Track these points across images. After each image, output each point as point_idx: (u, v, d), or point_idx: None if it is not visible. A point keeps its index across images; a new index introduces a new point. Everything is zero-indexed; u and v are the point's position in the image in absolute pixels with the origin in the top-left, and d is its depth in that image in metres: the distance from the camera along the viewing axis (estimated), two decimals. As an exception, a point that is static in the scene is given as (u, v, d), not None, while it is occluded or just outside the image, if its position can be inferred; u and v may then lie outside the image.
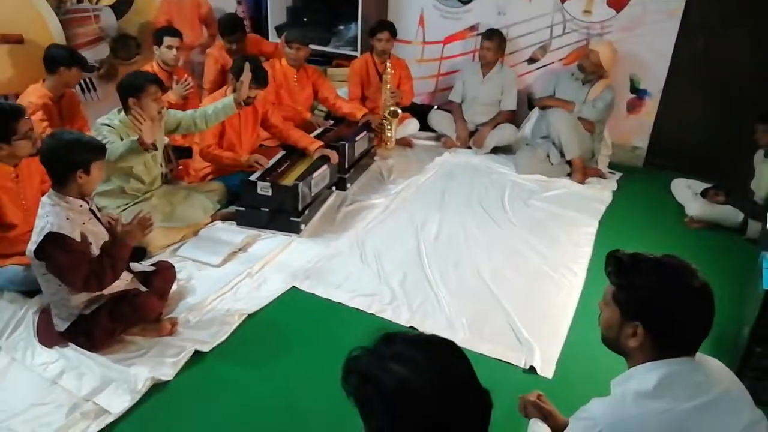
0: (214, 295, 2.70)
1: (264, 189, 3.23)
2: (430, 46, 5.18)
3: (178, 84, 3.98)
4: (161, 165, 3.42)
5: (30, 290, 2.55)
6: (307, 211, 3.37)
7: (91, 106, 4.06)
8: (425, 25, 5.14)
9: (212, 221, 3.34)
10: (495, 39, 4.58)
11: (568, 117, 4.27)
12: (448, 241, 3.38)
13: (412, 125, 4.79)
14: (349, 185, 3.91)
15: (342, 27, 5.28)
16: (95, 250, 2.29)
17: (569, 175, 4.26)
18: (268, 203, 3.25)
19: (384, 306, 2.71)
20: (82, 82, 4.10)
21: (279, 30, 5.38)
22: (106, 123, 2.91)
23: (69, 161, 2.19)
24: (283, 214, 3.27)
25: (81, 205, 2.28)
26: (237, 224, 3.33)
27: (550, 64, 4.82)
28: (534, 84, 4.90)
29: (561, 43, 4.73)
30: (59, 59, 3.34)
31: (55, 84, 3.41)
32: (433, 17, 5.08)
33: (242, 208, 3.30)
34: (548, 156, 4.35)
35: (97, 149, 2.28)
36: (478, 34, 4.93)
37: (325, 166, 3.56)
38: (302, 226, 3.30)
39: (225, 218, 3.39)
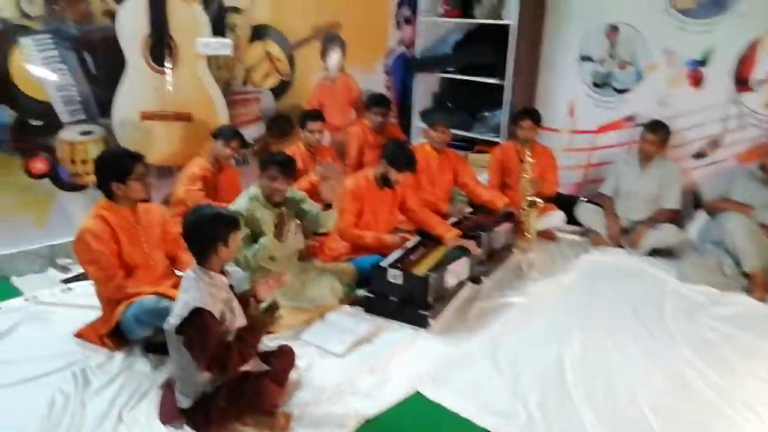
0: (333, 389, 2.53)
1: (394, 277, 3.08)
2: (580, 136, 4.89)
3: (320, 165, 4.08)
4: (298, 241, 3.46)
5: (158, 326, 2.52)
6: (437, 305, 3.15)
7: (243, 178, 4.27)
8: (575, 113, 4.89)
9: (340, 304, 3.24)
10: (659, 132, 4.19)
11: (747, 223, 3.70)
12: (596, 355, 2.94)
13: (557, 217, 4.46)
14: (484, 279, 3.65)
15: (487, 113, 5.20)
16: (232, 329, 2.27)
17: (747, 290, 3.63)
18: (398, 292, 3.09)
19: (518, 430, 2.35)
20: (238, 157, 4.36)
21: (423, 115, 5.45)
22: (241, 206, 3.05)
23: (210, 235, 2.22)
24: (412, 305, 3.08)
25: (222, 281, 2.29)
26: (365, 310, 3.20)
27: (722, 160, 4.30)
28: (701, 181, 4.37)
29: (736, 138, 4.22)
30: (223, 135, 3.62)
31: (215, 157, 3.66)
32: (584, 105, 4.82)
33: (371, 295, 3.17)
34: (720, 265, 3.76)
35: (235, 221, 2.32)
36: (636, 125, 4.58)
37: (463, 259, 3.34)
38: (431, 321, 3.08)
39: (353, 303, 3.27)
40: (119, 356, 2.67)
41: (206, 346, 2.16)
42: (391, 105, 4.70)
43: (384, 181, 3.50)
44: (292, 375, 2.54)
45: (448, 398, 2.53)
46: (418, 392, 2.57)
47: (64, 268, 3.52)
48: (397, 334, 3.02)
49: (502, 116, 4.90)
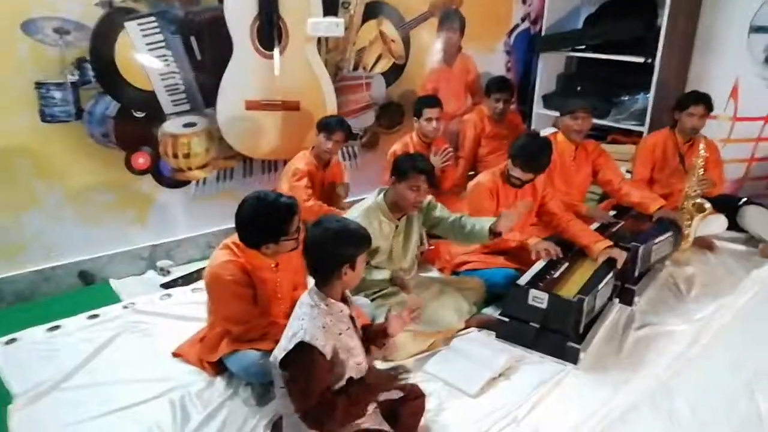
0: (468, 444, 2.07)
1: (537, 299, 2.56)
2: (744, 124, 4.07)
3: (436, 155, 3.61)
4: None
5: (263, 383, 2.23)
6: (586, 334, 2.60)
7: (350, 174, 3.89)
8: (739, 96, 4.06)
9: (466, 327, 2.76)
10: None
11: None
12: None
13: (718, 223, 3.70)
14: (636, 299, 3.03)
15: (626, 97, 4.47)
16: (345, 370, 1.86)
17: None
18: (540, 318, 2.56)
19: None
20: (344, 149, 3.98)
21: (547, 100, 4.81)
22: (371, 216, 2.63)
23: (336, 254, 1.82)
24: (557, 334, 2.54)
25: (342, 310, 1.88)
26: (496, 336, 2.70)
27: None
28: None
29: None
30: (326, 127, 3.25)
31: (320, 151, 3.29)
32: (751, 87, 4.01)
33: (505, 319, 2.66)
34: None
35: (365, 240, 1.88)
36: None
37: (611, 275, 2.76)
38: (582, 355, 2.53)
39: (482, 326, 2.78)
40: (220, 383, 2.35)
41: (307, 390, 1.77)
42: (514, 90, 4.11)
43: (514, 181, 2.97)
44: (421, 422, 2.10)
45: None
46: (575, 455, 2.05)
47: (164, 270, 3.29)
48: (539, 369, 2.50)
49: (650, 100, 4.17)
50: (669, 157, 3.70)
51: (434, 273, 3.29)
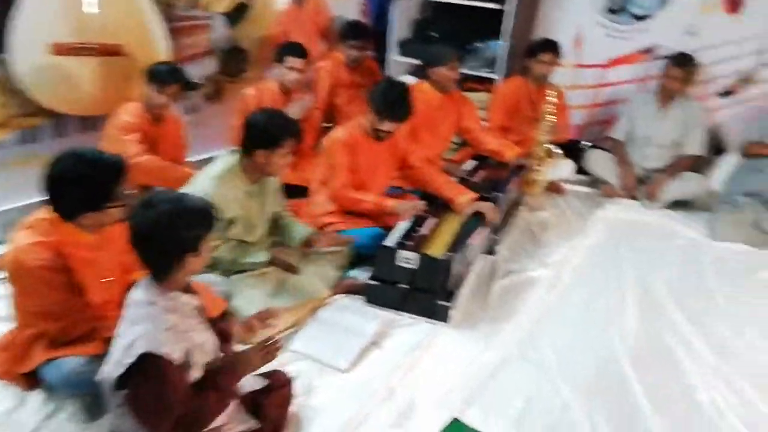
0: (345, 425, 1.91)
1: (407, 260, 2.43)
2: (587, 71, 4.23)
3: (294, 104, 3.30)
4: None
5: (90, 393, 1.83)
6: (455, 292, 2.54)
7: (191, 128, 3.43)
8: (583, 44, 4.20)
9: (334, 294, 2.58)
10: (687, 67, 3.60)
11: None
12: (652, 341, 2.46)
13: (566, 167, 3.88)
14: (498, 247, 3.05)
15: (479, 44, 4.43)
16: (198, 372, 1.57)
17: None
18: (410, 279, 2.45)
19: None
20: (186, 100, 3.49)
21: (403, 47, 4.64)
22: (211, 189, 2.25)
23: (175, 241, 1.48)
24: (427, 294, 2.45)
25: (187, 303, 1.57)
26: (366, 301, 2.55)
27: (753, 99, 3.77)
28: (729, 123, 3.86)
29: (774, 73, 3.68)
30: (156, 77, 2.75)
31: (151, 105, 2.81)
32: (594, 36, 4.14)
33: (375, 282, 2.51)
34: (758, 221, 3.31)
35: (210, 219, 1.55)
36: (655, 59, 3.98)
37: (479, 230, 2.71)
38: (452, 312, 2.47)
39: (350, 291, 2.61)
40: (36, 399, 1.90)
41: (162, 410, 1.45)
42: (370, 36, 3.87)
43: (376, 134, 2.77)
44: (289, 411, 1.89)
45: (495, 426, 1.96)
46: (455, 420, 1.98)
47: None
48: (411, 332, 2.40)
49: (502, 48, 4.17)
50: (522, 105, 3.75)
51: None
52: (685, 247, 3.26)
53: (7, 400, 1.88)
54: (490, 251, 3.00)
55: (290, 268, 2.42)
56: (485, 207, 2.82)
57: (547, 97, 3.50)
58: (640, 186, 3.78)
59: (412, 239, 2.54)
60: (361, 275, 2.68)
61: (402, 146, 2.92)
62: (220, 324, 1.74)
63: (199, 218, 1.51)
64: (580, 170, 4.01)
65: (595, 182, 3.94)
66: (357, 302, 2.55)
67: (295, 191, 3.17)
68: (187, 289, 1.60)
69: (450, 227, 2.70)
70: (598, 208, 3.65)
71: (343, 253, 2.67)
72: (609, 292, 2.78)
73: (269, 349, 1.65)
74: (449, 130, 3.50)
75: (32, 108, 2.85)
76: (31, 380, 1.91)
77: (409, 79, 4.11)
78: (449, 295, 2.47)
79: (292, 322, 2.37)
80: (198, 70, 3.51)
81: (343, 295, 2.59)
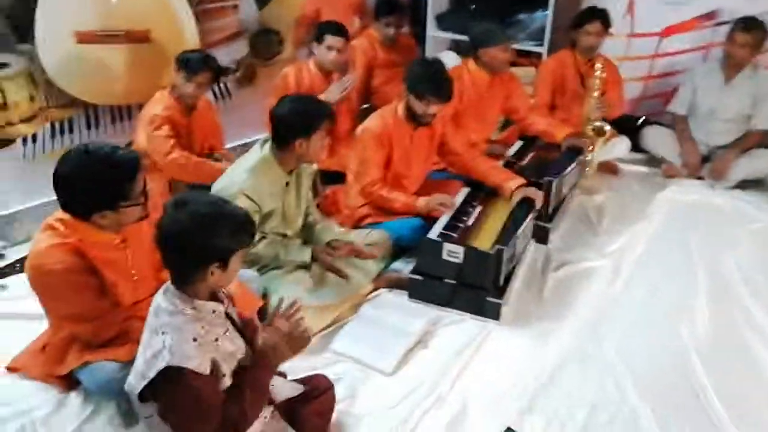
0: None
1: (452, 254, 2.24)
2: (640, 40, 3.90)
3: (335, 85, 3.13)
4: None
5: (126, 399, 1.74)
6: (506, 286, 2.34)
7: (224, 115, 3.31)
8: (635, 12, 3.87)
9: (375, 289, 2.42)
10: (755, 33, 3.26)
11: None
12: (726, 338, 2.22)
13: (622, 146, 3.58)
14: (551, 236, 2.83)
15: (523, 16, 4.15)
16: (229, 381, 1.44)
17: None
18: (456, 273, 2.26)
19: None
20: (215, 87, 3.36)
21: (440, 20, 4.39)
22: (245, 182, 2.10)
23: (203, 248, 1.34)
24: (475, 289, 2.26)
25: (214, 311, 1.43)
26: (408, 296, 2.38)
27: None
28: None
29: None
30: (186, 66, 2.59)
31: (181, 93, 2.67)
32: (648, 3, 3.81)
33: (418, 277, 2.34)
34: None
35: (246, 230, 1.41)
36: (717, 24, 3.63)
37: (530, 218, 2.49)
38: (503, 309, 2.27)
39: (392, 285, 2.45)
40: (75, 401, 1.83)
41: (201, 419, 1.34)
42: (406, 11, 3.63)
43: (415, 118, 2.56)
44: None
45: (555, 437, 1.78)
46: (510, 429, 1.80)
47: (-5, 255, 2.62)
48: (459, 330, 2.22)
49: (547, 18, 3.88)
50: (569, 80, 3.47)
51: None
52: (758, 231, 2.96)
53: (46, 404, 1.81)
54: (543, 240, 2.78)
55: (337, 272, 2.27)
56: (533, 193, 2.59)
57: (595, 71, 3.22)
58: (705, 164, 3.47)
59: (458, 230, 2.36)
60: (405, 267, 2.52)
61: (441, 131, 2.71)
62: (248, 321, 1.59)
63: (233, 229, 1.36)
64: (637, 148, 3.71)
65: (654, 161, 3.65)
66: (401, 297, 2.38)
67: (332, 177, 3.03)
68: (214, 296, 1.45)
69: (498, 216, 2.49)
70: (659, 190, 3.35)
71: (383, 245, 2.49)
72: (676, 283, 2.53)
73: (297, 335, 1.50)
74: (496, 113, 3.26)
75: (64, 99, 2.76)
76: (69, 381, 1.84)
77: (451, 57, 3.89)
78: (500, 291, 2.27)
79: (333, 319, 2.22)
80: (228, 54, 3.36)
81: (386, 289, 2.43)
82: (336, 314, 2.23)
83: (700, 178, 3.47)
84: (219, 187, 2.15)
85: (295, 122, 2.10)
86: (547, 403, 1.91)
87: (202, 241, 1.32)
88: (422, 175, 2.79)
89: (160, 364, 1.32)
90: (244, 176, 2.12)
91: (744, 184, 3.35)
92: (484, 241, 2.30)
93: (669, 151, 3.57)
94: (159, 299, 1.41)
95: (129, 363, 1.63)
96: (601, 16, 3.32)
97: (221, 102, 3.40)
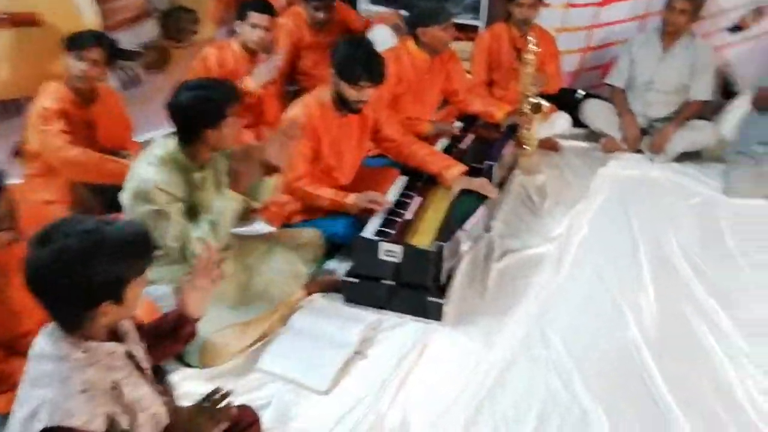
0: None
1: (390, 253, 2.07)
2: (578, 10, 3.79)
3: (261, 66, 2.86)
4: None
5: None
6: (450, 281, 2.20)
7: (133, 105, 2.99)
8: (574, -19, 3.74)
9: (308, 294, 2.22)
10: (693, -1, 3.18)
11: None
12: (679, 326, 2.16)
13: (562, 121, 3.47)
14: (492, 222, 2.70)
15: (460, -13, 3.96)
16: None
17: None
18: (395, 273, 2.09)
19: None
20: (122, 74, 3.03)
21: (376, -9, 4.13)
22: (156, 175, 1.82)
23: (83, 290, 1.10)
24: (415, 289, 2.10)
25: (112, 352, 1.20)
26: (344, 299, 2.20)
27: (765, 34, 3.38)
28: (739, 63, 3.47)
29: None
30: (75, 44, 2.28)
31: (74, 79, 2.35)
32: (584, -30, 3.69)
33: (354, 280, 2.15)
34: (777, 172, 2.98)
35: (138, 257, 1.17)
36: (654, -8, 3.56)
37: (479, 211, 2.33)
38: (445, 308, 2.13)
39: (326, 289, 2.26)
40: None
41: None
42: None
43: (344, 104, 2.34)
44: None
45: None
46: (460, 447, 1.67)
47: None
48: (399, 335, 2.07)
49: (483, -11, 3.72)
50: (505, 55, 3.32)
51: (260, 226, 2.65)
52: (699, 205, 2.94)
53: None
54: (485, 228, 2.65)
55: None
56: (479, 184, 2.44)
57: (528, 44, 3.07)
58: (645, 137, 3.42)
59: (395, 225, 2.18)
60: (340, 267, 2.33)
61: (373, 116, 2.50)
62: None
63: (119, 257, 1.12)
64: (577, 123, 3.62)
65: (594, 136, 3.57)
66: (335, 302, 2.20)
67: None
68: (114, 334, 1.23)
69: (438, 207, 2.33)
70: (600, 166, 3.28)
71: (314, 244, 2.29)
72: (620, 266, 2.46)
73: (218, 412, 1.30)
74: (436, 95, 3.06)
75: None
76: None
77: (384, 33, 3.65)
78: (441, 290, 2.12)
79: (261, 333, 2.02)
80: (135, 36, 3.03)
81: (320, 294, 2.24)
82: (264, 328, 2.02)
83: (639, 151, 3.41)
84: (131, 187, 1.88)
85: (198, 112, 1.84)
86: (494, 410, 1.79)
87: (78, 282, 1.09)
88: (355, 165, 2.58)
89: (37, 427, 1.09)
90: (151, 170, 1.84)
91: (683, 157, 3.32)
92: (424, 236, 2.14)
93: (608, 125, 3.49)
94: (41, 342, 1.17)
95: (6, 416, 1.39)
96: (534, -15, 3.15)
97: (130, 90, 3.06)
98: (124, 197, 1.88)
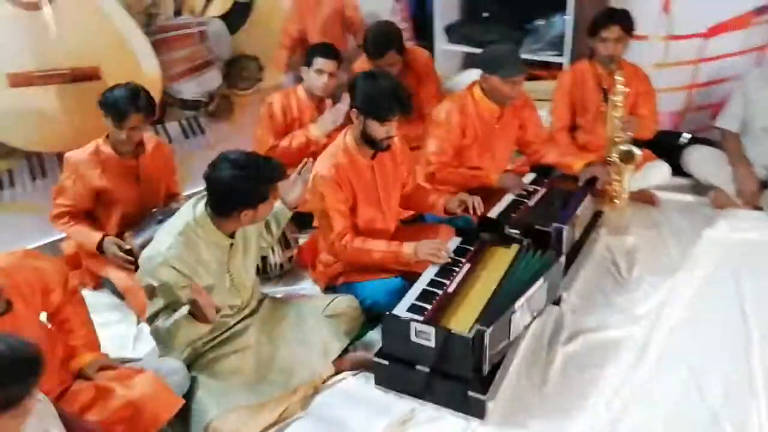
0: None
1: (422, 335, 1.77)
2: (680, 43, 3.31)
3: (327, 113, 2.75)
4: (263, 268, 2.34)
5: None
6: (498, 372, 1.85)
7: (198, 156, 2.96)
8: (672, 9, 3.28)
9: (337, 373, 1.97)
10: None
11: None
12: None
13: (660, 171, 2.99)
14: (564, 294, 2.31)
15: (541, 22, 3.64)
16: None
17: None
18: (429, 358, 1.79)
19: None
20: (187, 122, 3.03)
21: (451, 32, 3.93)
22: (171, 252, 1.71)
23: None
24: (453, 379, 1.79)
25: None
26: (375, 383, 1.92)
27: None
28: None
29: None
30: (113, 108, 2.18)
31: (116, 141, 2.28)
32: (687, -2, 3.23)
33: (383, 362, 1.88)
34: None
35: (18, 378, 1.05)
36: (775, 20, 3.03)
37: (538, 283, 1.97)
38: (489, 405, 1.78)
39: (359, 367, 2.00)
40: None
41: None
42: (402, 44, 3.07)
43: (372, 144, 2.09)
44: None
45: None
46: None
47: None
48: (435, 430, 1.75)
49: (566, 24, 3.36)
50: (590, 96, 2.91)
51: (307, 284, 2.46)
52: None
53: None
54: (556, 301, 2.27)
55: None
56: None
57: (616, 84, 2.67)
58: (765, 192, 2.85)
59: (434, 301, 1.88)
60: (380, 341, 2.06)
61: (401, 153, 2.25)
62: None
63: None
64: (680, 172, 3.12)
65: (701, 188, 3.04)
66: (368, 385, 1.93)
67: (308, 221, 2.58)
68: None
69: (490, 278, 2.00)
70: (707, 226, 2.77)
71: (350, 314, 2.05)
72: (727, 364, 1.96)
73: None
74: (509, 146, 2.75)
75: (2, 150, 2.48)
76: None
77: (469, 76, 3.39)
78: (486, 381, 1.78)
79: (277, 416, 1.79)
80: (200, 86, 3.02)
81: (351, 372, 1.98)
82: (280, 411, 1.80)
83: (758, 208, 2.85)
84: (144, 257, 1.78)
85: (238, 192, 1.70)
86: None
87: None
88: (395, 207, 2.31)
89: None
90: (169, 242, 1.72)
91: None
92: (466, 316, 1.82)
93: (719, 176, 2.96)
94: None
95: None
96: (619, 18, 2.75)
97: (191, 139, 3.05)
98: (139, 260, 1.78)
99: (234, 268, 1.86)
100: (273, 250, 2.42)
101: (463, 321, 1.79)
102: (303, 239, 2.62)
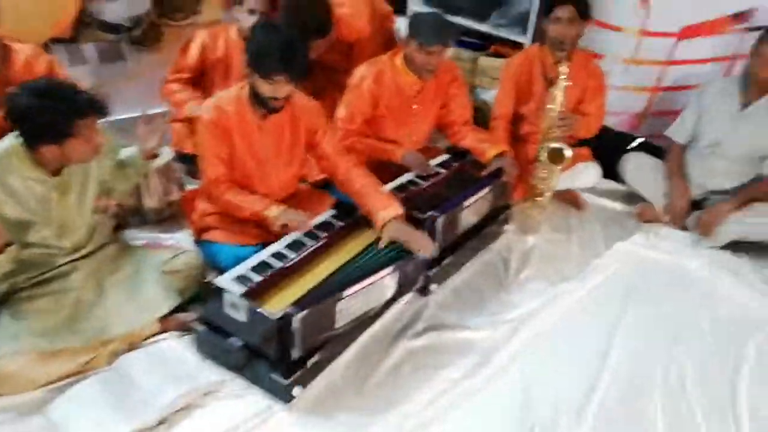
0: None
1: (235, 308, 1.67)
2: (653, 40, 3.04)
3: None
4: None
5: None
6: (315, 358, 1.74)
7: (114, 84, 2.83)
8: (652, 4, 3.01)
9: (161, 331, 1.88)
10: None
11: None
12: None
13: (590, 173, 2.80)
14: (434, 286, 2.18)
15: (510, -3, 3.38)
16: None
17: None
18: (241, 333, 1.70)
19: None
20: (103, 46, 2.88)
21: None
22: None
23: None
24: (261, 359, 1.69)
25: None
26: (196, 348, 1.83)
27: None
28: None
29: None
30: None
31: None
32: (670, -6, 2.95)
33: (201, 327, 1.78)
34: None
35: None
36: (749, 30, 2.76)
37: (384, 272, 1.84)
38: (295, 391, 1.69)
39: (184, 328, 1.90)
40: None
41: None
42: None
43: (260, 102, 1.95)
44: None
45: None
46: None
47: None
48: (229, 410, 1.66)
49: (532, 2, 3.11)
50: (536, 84, 2.69)
51: (184, 235, 2.34)
52: (721, 319, 2.18)
53: None
54: (424, 290, 2.15)
55: None
56: (409, 236, 1.95)
57: (559, 76, 2.46)
58: (694, 212, 2.66)
59: (267, 275, 1.76)
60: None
61: (308, 123, 2.08)
62: None
63: None
64: (616, 177, 2.93)
65: (632, 197, 2.86)
66: (189, 350, 1.83)
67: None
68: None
69: (339, 259, 1.87)
70: (622, 238, 2.60)
71: (187, 274, 1.93)
72: (567, 386, 1.84)
73: None
74: (428, 124, 2.56)
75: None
76: None
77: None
78: (295, 366, 1.68)
79: (75, 367, 1.71)
80: (122, 9, 2.84)
81: (177, 332, 1.89)
82: (80, 361, 1.71)
83: (684, 228, 2.67)
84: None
85: (34, 124, 1.57)
86: None
87: None
88: (284, 180, 2.17)
89: None
90: None
91: (739, 247, 2.53)
92: (291, 295, 1.71)
93: (651, 189, 2.77)
94: None
95: None
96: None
97: (109, 65, 2.91)
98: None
99: (62, 208, 1.75)
100: (148, 195, 2.31)
101: (283, 300, 1.68)
102: (194, 186, 2.50)
